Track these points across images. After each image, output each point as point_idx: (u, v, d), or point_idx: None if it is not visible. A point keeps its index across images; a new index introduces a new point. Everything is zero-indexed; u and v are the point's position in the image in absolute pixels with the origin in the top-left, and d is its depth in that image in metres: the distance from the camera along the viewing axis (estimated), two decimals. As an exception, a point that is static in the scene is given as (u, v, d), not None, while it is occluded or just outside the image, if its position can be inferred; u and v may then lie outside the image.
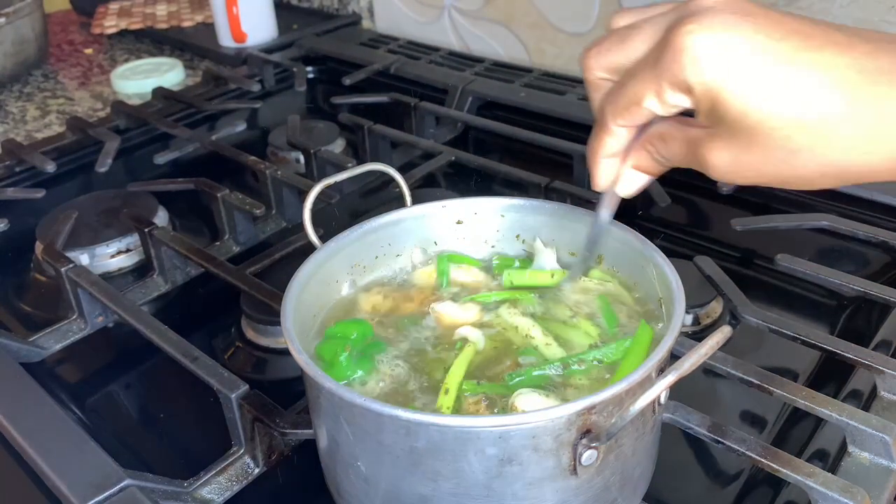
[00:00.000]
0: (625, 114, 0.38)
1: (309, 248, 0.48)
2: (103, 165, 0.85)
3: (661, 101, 0.36)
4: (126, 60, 1.22)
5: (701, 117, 0.36)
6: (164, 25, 1.31)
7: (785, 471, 0.43)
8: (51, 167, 0.85)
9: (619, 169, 0.41)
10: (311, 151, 0.82)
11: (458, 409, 0.40)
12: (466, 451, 0.35)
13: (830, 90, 0.32)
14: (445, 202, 0.52)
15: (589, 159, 0.42)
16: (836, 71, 0.32)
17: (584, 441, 0.35)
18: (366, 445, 0.38)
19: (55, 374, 0.63)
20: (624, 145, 0.40)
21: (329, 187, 0.51)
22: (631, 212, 0.75)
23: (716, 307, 0.61)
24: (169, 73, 1.13)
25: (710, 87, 0.34)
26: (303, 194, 0.61)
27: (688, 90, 0.34)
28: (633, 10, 0.39)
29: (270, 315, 0.61)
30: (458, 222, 0.52)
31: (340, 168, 0.79)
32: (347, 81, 1.01)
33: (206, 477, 0.48)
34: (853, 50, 0.33)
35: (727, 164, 0.35)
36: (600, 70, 0.39)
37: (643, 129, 0.39)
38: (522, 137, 0.84)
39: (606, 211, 0.44)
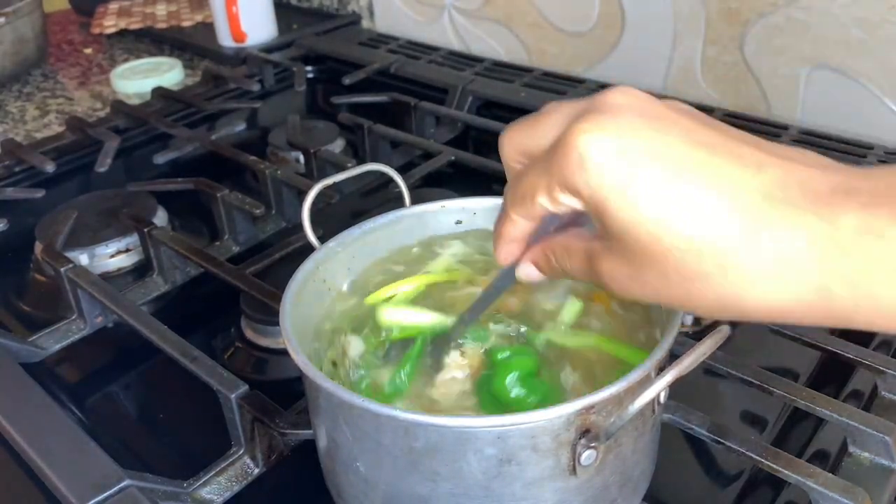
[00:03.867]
0: (521, 205, 0.35)
1: (309, 248, 0.48)
2: (103, 165, 0.85)
3: (552, 200, 0.33)
4: (125, 60, 1.22)
5: (596, 225, 0.33)
6: (163, 25, 1.31)
7: (785, 471, 0.43)
8: (50, 167, 0.85)
9: (520, 253, 0.38)
10: (311, 151, 0.82)
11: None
12: (465, 451, 0.35)
13: (728, 215, 0.28)
14: (445, 202, 0.51)
15: (493, 238, 0.39)
16: (738, 194, 0.28)
17: (583, 441, 0.35)
18: (365, 446, 0.38)
19: (55, 374, 0.63)
20: (526, 234, 0.37)
21: (329, 187, 0.51)
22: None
23: (716, 307, 0.61)
24: (168, 73, 1.13)
25: (597, 195, 0.30)
26: (302, 194, 0.61)
27: (577, 194, 0.31)
28: (562, 102, 0.35)
29: (270, 315, 0.61)
30: (458, 222, 0.52)
31: (340, 168, 0.79)
32: (347, 81, 1.01)
33: (206, 477, 0.48)
34: (762, 173, 0.29)
35: (625, 281, 0.32)
36: (513, 153, 0.36)
37: (550, 222, 0.37)
38: (522, 137, 0.83)
39: (503, 283, 0.41)
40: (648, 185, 0.29)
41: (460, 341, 0.44)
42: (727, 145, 0.30)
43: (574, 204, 0.32)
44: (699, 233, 0.29)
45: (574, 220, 0.37)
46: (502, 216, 0.37)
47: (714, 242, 0.29)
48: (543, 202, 0.33)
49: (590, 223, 0.35)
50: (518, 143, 0.36)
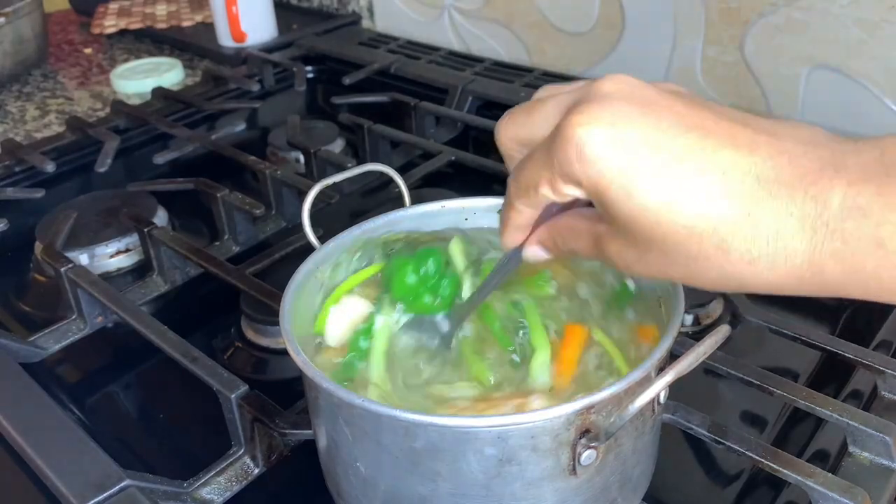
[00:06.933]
0: (524, 196, 0.36)
1: (309, 248, 0.48)
2: (103, 165, 0.85)
3: (555, 190, 0.34)
4: (125, 60, 1.22)
5: (600, 211, 0.34)
6: (163, 25, 1.31)
7: (785, 471, 0.43)
8: (50, 167, 0.85)
9: (524, 238, 0.39)
10: (311, 151, 0.82)
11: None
12: (465, 451, 0.35)
13: (724, 198, 0.30)
14: (445, 202, 0.52)
15: (499, 224, 0.40)
16: (732, 177, 0.30)
17: (583, 441, 0.35)
18: (365, 446, 0.38)
19: (55, 374, 0.63)
20: (530, 221, 0.38)
21: (329, 187, 0.51)
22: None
23: (716, 307, 0.61)
24: (168, 73, 1.13)
25: (598, 185, 0.31)
26: (302, 194, 0.61)
27: (577, 184, 0.32)
28: (554, 86, 0.37)
29: (270, 315, 0.61)
30: (465, 219, 0.52)
31: (340, 168, 0.79)
32: (347, 81, 1.01)
33: (206, 477, 0.48)
34: (755, 154, 0.30)
35: (631, 262, 0.33)
36: (509, 141, 0.37)
37: (553, 207, 0.37)
38: (522, 137, 0.83)
39: (511, 264, 0.42)
40: (646, 174, 0.30)
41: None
42: (719, 127, 0.31)
43: (576, 194, 0.33)
44: (698, 217, 0.30)
45: (577, 201, 0.37)
46: (507, 205, 0.38)
47: (713, 226, 0.30)
48: (546, 193, 0.34)
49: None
50: (515, 133, 0.37)
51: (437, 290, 0.46)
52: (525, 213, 0.37)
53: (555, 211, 0.38)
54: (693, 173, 0.30)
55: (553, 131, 0.33)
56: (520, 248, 0.39)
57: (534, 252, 0.39)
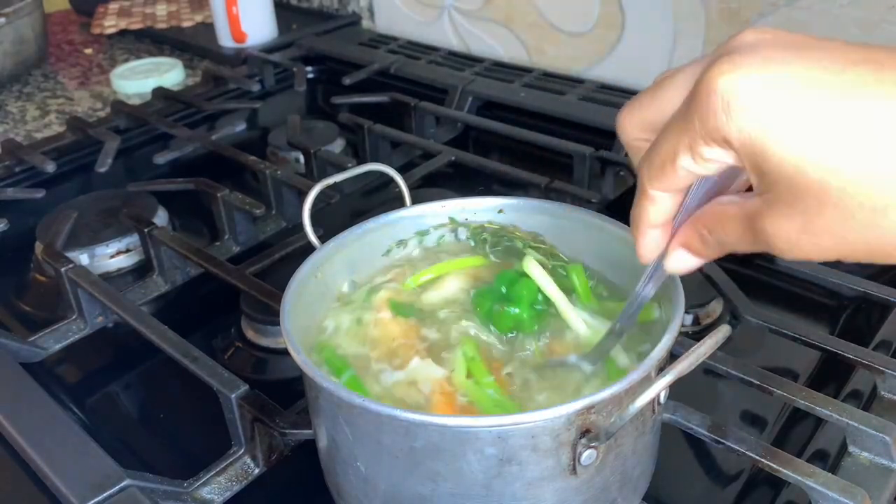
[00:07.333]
0: (660, 176, 0.31)
1: (309, 248, 0.48)
2: (103, 165, 0.85)
3: (697, 156, 0.29)
4: (126, 60, 1.22)
5: (752, 179, 0.29)
6: (163, 25, 1.31)
7: (785, 471, 0.43)
8: (51, 167, 0.85)
9: (666, 243, 0.35)
10: (311, 151, 0.82)
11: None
12: (465, 451, 0.35)
13: None
14: (445, 202, 0.52)
15: (633, 228, 0.35)
16: None
17: (583, 441, 0.35)
18: (365, 446, 0.38)
19: (55, 374, 0.63)
20: (670, 214, 0.33)
21: (329, 187, 0.51)
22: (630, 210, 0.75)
23: (716, 307, 0.61)
24: (169, 73, 1.13)
25: (752, 138, 0.27)
26: (303, 194, 0.61)
27: (725, 143, 0.28)
28: (681, 66, 0.33)
29: (270, 315, 0.61)
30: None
31: (340, 168, 0.79)
32: (347, 81, 1.01)
33: (206, 477, 0.48)
34: None
35: (796, 235, 0.28)
36: (635, 130, 0.34)
37: (692, 201, 0.33)
38: (522, 137, 0.84)
39: (651, 287, 0.38)
40: (811, 115, 0.26)
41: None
42: (893, 56, 0.26)
43: (724, 158, 0.29)
44: (879, 162, 0.26)
45: (718, 190, 0.33)
46: (639, 199, 0.33)
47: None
48: (687, 164, 0.30)
49: (736, 189, 0.32)
50: (640, 118, 0.34)
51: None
52: (662, 204, 0.33)
53: (693, 209, 0.33)
54: (866, 108, 0.26)
55: (690, 94, 0.29)
56: (661, 258, 0.35)
57: (680, 259, 0.34)
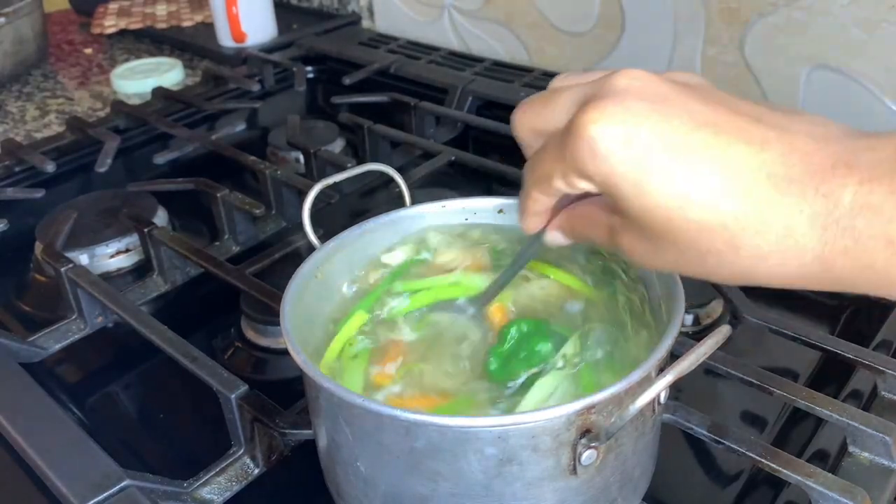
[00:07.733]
0: (538, 186, 0.37)
1: (309, 248, 0.48)
2: (103, 165, 0.85)
3: (568, 183, 0.34)
4: (126, 60, 1.22)
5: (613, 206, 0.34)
6: (163, 25, 1.31)
7: (785, 471, 0.43)
8: (50, 167, 0.85)
9: (546, 222, 0.40)
10: (311, 151, 0.82)
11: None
12: (466, 451, 0.35)
13: (734, 195, 0.30)
14: (445, 202, 0.52)
15: (519, 210, 0.41)
16: (743, 174, 0.30)
17: (583, 441, 0.35)
18: (365, 446, 0.38)
19: (55, 374, 0.63)
20: (547, 207, 0.39)
21: (329, 187, 0.51)
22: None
23: (716, 307, 0.61)
24: (169, 73, 1.13)
25: (609, 182, 0.32)
26: (303, 194, 0.61)
27: (590, 179, 0.33)
28: (571, 75, 0.38)
29: (270, 315, 0.61)
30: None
31: (340, 168, 0.79)
32: (347, 81, 1.01)
33: (206, 477, 0.48)
34: (766, 150, 0.30)
35: (644, 255, 0.34)
36: (525, 131, 0.38)
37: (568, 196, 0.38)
38: (522, 137, 0.83)
39: (534, 249, 0.44)
40: (657, 171, 0.31)
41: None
42: (731, 123, 0.31)
43: (589, 188, 0.34)
44: (709, 214, 0.30)
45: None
46: (524, 193, 0.39)
47: (724, 224, 0.30)
48: (560, 186, 0.35)
49: None
50: (531, 123, 0.38)
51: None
52: (541, 202, 0.38)
53: (573, 197, 0.38)
54: (704, 172, 0.30)
55: (566, 126, 0.33)
56: (541, 232, 0.41)
57: (554, 237, 0.41)
